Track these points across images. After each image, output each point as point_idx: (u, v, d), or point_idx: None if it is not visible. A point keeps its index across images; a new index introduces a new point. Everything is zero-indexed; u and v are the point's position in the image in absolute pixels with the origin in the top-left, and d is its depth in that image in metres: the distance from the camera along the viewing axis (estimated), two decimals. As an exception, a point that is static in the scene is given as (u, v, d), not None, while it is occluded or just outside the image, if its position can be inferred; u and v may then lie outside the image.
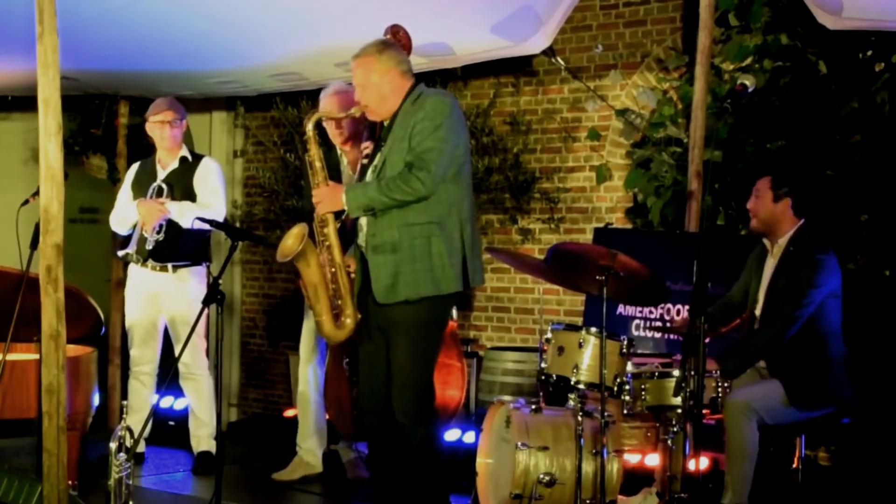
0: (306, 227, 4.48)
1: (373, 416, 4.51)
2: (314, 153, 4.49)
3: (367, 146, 5.11)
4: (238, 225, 8.09)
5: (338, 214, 4.53)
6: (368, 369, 4.53)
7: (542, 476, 4.73)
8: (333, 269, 4.47)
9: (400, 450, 4.40)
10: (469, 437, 5.98)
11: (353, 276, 4.55)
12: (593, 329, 4.80)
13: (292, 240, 4.44)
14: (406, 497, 4.44)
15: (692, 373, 4.18)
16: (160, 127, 6.14)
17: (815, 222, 4.95)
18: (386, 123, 4.48)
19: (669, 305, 5.73)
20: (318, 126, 4.61)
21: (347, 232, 4.86)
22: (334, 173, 5.49)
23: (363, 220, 4.44)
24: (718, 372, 4.65)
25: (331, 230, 4.46)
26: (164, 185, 6.11)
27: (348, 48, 4.55)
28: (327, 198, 4.43)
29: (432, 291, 4.33)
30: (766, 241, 4.98)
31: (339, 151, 5.63)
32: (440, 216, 4.33)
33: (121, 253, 6.19)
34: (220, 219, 5.97)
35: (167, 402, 7.09)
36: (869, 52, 5.79)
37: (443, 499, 4.49)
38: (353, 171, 5.54)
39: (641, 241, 6.14)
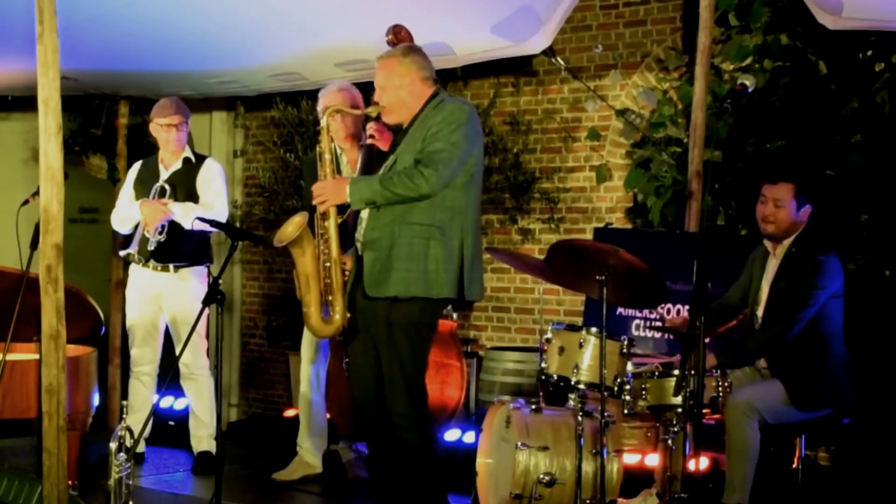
0: (307, 216, 4.48)
1: (367, 416, 4.51)
2: (325, 145, 4.48)
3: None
4: (238, 225, 8.09)
5: (341, 209, 4.52)
6: (357, 369, 4.53)
7: (542, 476, 4.73)
8: (328, 264, 4.45)
9: (396, 450, 4.40)
10: (469, 437, 5.97)
11: (348, 274, 4.53)
12: (593, 329, 4.79)
13: (292, 227, 4.44)
14: (404, 498, 4.43)
15: (692, 372, 4.18)
16: (166, 130, 6.11)
17: (815, 223, 4.95)
18: (404, 127, 4.49)
19: (669, 305, 5.73)
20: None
21: (348, 231, 4.86)
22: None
23: (364, 215, 4.44)
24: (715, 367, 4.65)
25: (331, 223, 4.45)
26: (166, 186, 6.09)
27: (348, 48, 4.55)
28: (330, 190, 4.41)
29: (423, 293, 4.32)
30: (767, 243, 4.97)
31: (338, 150, 5.63)
32: (442, 221, 4.33)
33: (122, 253, 6.18)
34: (223, 220, 5.97)
35: (167, 402, 7.08)
36: (869, 52, 5.78)
37: (441, 499, 4.48)
38: (352, 170, 5.54)
39: (641, 241, 6.12)
